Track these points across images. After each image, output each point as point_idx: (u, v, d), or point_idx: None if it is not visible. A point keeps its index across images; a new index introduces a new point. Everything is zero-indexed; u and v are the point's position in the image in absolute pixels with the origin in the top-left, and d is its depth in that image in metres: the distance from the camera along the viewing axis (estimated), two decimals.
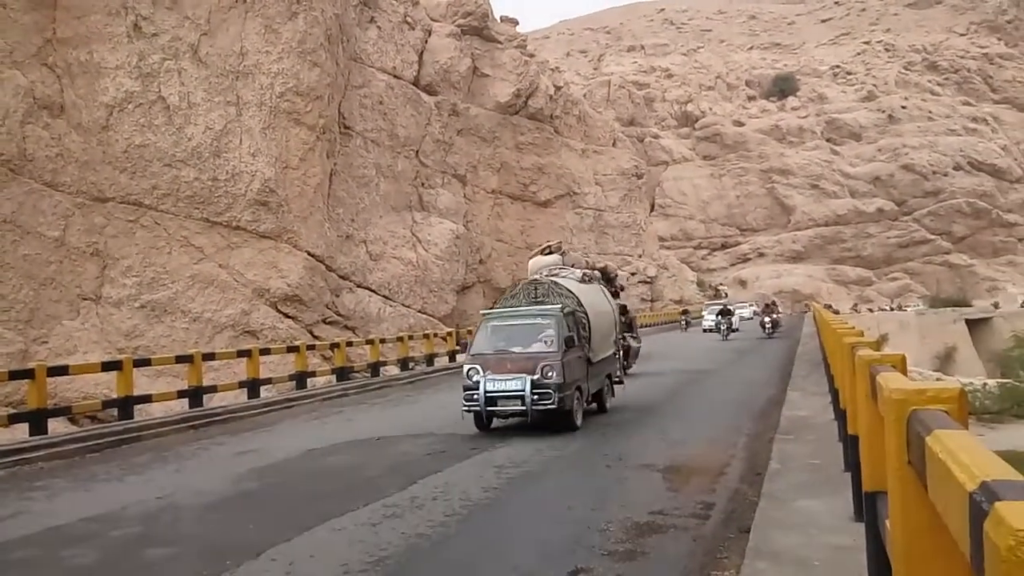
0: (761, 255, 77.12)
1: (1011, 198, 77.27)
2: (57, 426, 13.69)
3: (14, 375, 12.93)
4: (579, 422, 10.55)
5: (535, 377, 10.01)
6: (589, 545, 5.43)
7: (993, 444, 11.40)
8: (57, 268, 21.50)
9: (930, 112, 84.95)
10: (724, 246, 79.21)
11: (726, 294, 63.80)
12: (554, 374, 10.01)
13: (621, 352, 13.71)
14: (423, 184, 36.12)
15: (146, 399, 14.32)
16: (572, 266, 13.95)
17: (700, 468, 7.89)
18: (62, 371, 13.69)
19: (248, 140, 24.67)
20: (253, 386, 16.00)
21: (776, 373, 17.04)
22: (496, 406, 10.29)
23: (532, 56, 47.96)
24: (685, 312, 45.06)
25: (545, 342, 10.65)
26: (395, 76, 35.04)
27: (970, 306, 59.11)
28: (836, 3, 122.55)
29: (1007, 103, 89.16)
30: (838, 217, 76.59)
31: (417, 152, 35.89)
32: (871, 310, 62.64)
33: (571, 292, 11.63)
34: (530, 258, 15.05)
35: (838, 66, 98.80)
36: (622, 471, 7.92)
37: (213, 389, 15.52)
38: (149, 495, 7.82)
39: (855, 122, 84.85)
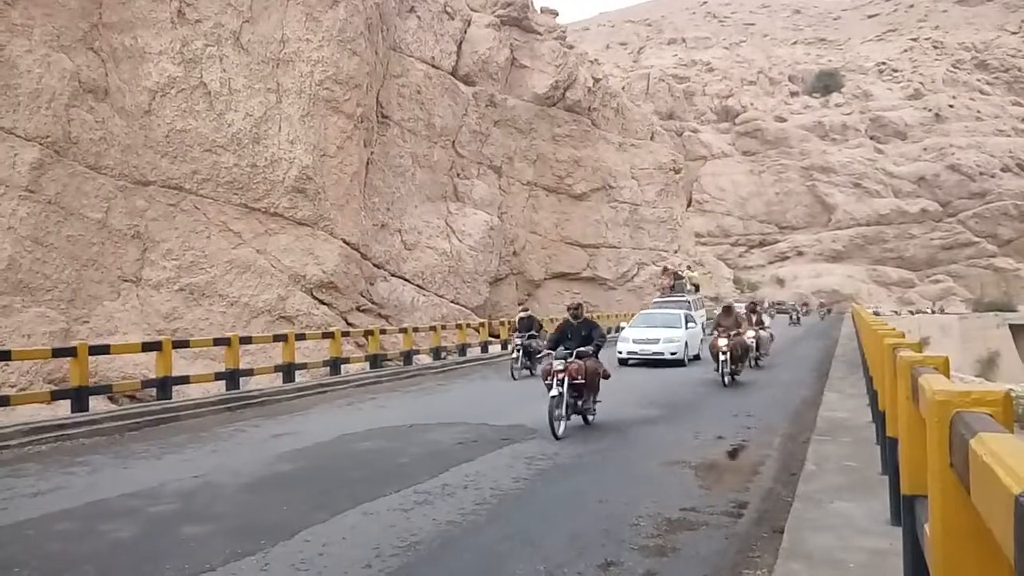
0: (800, 254, 76.08)
1: None
2: (97, 404, 14.01)
3: (57, 353, 13.23)
4: None
5: None
6: (619, 539, 5.42)
7: None
8: (99, 249, 21.95)
9: (978, 112, 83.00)
10: (762, 244, 78.27)
11: (694, 286, 33.46)
12: None
13: None
14: (458, 174, 36.21)
15: (184, 380, 14.58)
16: None
17: (734, 467, 7.83)
18: (103, 350, 13.99)
19: (287, 127, 24.93)
20: (288, 370, 16.23)
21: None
22: None
23: (571, 48, 47.76)
24: (527, 322, 18.56)
25: None
26: (433, 66, 35.13)
27: (1015, 311, 57.75)
28: None
29: None
30: (880, 217, 75.26)
31: (453, 142, 35.98)
32: (912, 312, 61.50)
33: None
34: None
35: (884, 63, 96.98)
36: (654, 467, 7.89)
37: (250, 372, 15.76)
38: (186, 474, 7.97)
39: (900, 120, 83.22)
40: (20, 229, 20.19)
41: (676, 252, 52.21)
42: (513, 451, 8.70)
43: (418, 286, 30.68)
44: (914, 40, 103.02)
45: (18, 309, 19.62)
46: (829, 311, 56.99)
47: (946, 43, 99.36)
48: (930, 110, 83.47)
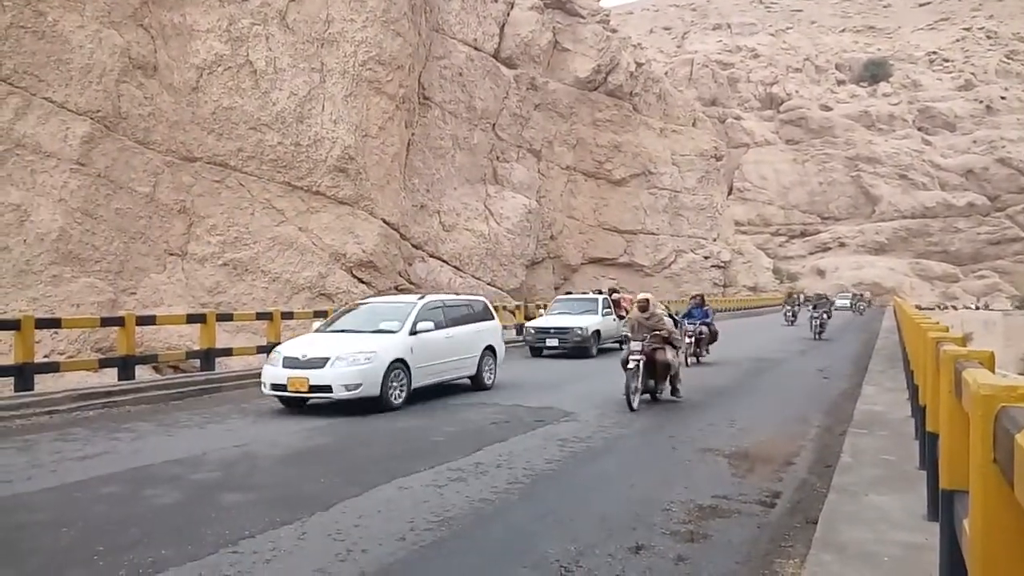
0: (842, 245, 74.82)
1: None
2: (143, 373, 14.36)
3: (105, 322, 13.58)
4: None
5: None
6: (650, 523, 5.45)
7: None
8: (147, 223, 22.37)
9: None
10: (803, 234, 77.11)
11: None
12: None
13: None
14: (498, 157, 36.19)
15: (227, 352, 14.89)
16: None
17: (767, 456, 7.80)
18: (150, 321, 14.31)
19: (330, 107, 25.10)
20: None
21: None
22: None
23: (614, 32, 47.30)
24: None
25: None
26: (476, 48, 35.06)
27: None
28: None
29: None
30: (926, 209, 73.64)
31: (494, 125, 35.94)
32: (955, 308, 60.23)
33: None
34: None
35: (935, 52, 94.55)
36: (687, 453, 7.89)
37: None
38: (228, 443, 8.18)
39: (950, 111, 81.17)
40: (71, 201, 20.65)
41: (715, 240, 51.72)
42: (546, 432, 8.76)
43: (455, 267, 30.82)
44: (967, 30, 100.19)
45: (68, 279, 20.11)
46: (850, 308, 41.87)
47: (1000, 33, 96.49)
48: (981, 101, 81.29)
